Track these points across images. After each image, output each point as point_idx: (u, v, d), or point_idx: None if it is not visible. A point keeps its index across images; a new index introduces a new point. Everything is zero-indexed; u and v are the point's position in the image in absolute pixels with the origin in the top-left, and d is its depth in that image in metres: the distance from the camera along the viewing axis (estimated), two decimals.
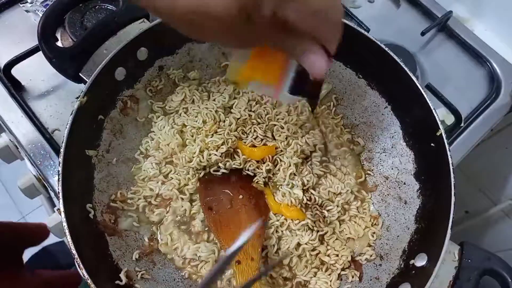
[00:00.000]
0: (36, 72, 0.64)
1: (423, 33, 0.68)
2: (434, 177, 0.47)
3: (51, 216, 0.66)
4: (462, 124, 0.64)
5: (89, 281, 0.37)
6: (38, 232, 0.65)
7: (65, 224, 0.39)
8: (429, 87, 0.62)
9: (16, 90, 0.61)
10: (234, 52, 0.39)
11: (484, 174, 1.01)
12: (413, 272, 0.43)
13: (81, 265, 0.37)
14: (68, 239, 0.38)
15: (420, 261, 0.43)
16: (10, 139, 0.71)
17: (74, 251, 0.38)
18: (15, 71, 0.61)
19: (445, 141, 0.45)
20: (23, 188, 0.69)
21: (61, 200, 0.40)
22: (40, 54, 0.62)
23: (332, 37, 0.35)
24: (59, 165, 0.41)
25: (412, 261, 0.44)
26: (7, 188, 1.46)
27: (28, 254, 1.37)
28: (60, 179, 0.40)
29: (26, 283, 0.61)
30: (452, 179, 0.43)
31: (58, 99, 0.62)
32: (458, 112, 0.61)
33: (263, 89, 0.39)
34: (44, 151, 0.58)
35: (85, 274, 0.37)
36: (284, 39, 0.33)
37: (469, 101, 0.68)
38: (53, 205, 0.80)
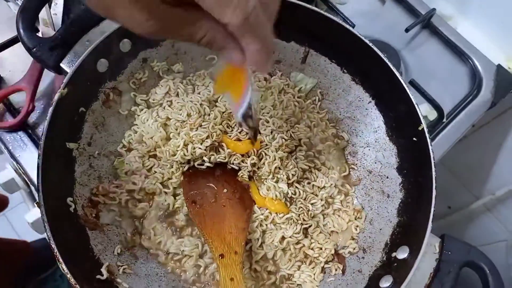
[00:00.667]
0: (16, 63, 0.63)
1: (407, 30, 0.69)
2: (416, 171, 0.48)
3: (31, 211, 0.65)
4: (444, 120, 0.65)
5: (68, 275, 0.37)
6: None
7: (44, 217, 0.38)
8: (412, 83, 0.63)
9: None
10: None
11: (467, 169, 1.04)
12: (395, 264, 0.44)
13: (61, 260, 0.37)
14: (48, 234, 0.38)
15: (402, 253, 0.44)
16: None
17: (53, 246, 0.37)
18: None
19: (427, 135, 0.46)
20: (3, 183, 0.68)
21: (40, 194, 0.39)
22: (19, 45, 0.61)
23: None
24: (38, 158, 0.40)
25: (394, 254, 0.45)
26: None
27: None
28: (40, 172, 0.40)
29: None
30: (434, 173, 0.44)
31: (38, 91, 0.61)
32: (440, 108, 0.62)
33: (230, 103, 0.40)
34: (24, 144, 0.57)
35: (65, 269, 0.37)
36: (194, 27, 0.31)
37: (452, 97, 0.69)
38: (33, 200, 0.78)
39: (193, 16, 0.31)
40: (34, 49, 0.44)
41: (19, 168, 0.59)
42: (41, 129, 0.58)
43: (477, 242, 1.12)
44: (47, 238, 0.38)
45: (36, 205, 0.66)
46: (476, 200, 1.02)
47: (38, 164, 0.40)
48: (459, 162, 1.03)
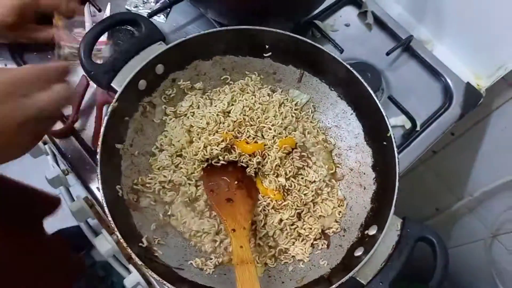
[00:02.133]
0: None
1: (387, 53, 0.80)
2: (385, 168, 0.58)
3: (74, 203, 0.78)
4: (418, 129, 0.75)
5: (122, 240, 0.49)
6: (51, 199, 0.75)
7: (103, 198, 0.50)
8: (390, 98, 0.74)
9: None
10: None
11: (450, 173, 1.13)
12: (367, 239, 0.55)
13: (115, 228, 0.49)
14: (106, 210, 0.50)
15: (372, 231, 0.54)
16: None
17: (110, 218, 0.49)
18: None
19: (394, 140, 0.57)
20: (50, 179, 0.81)
21: (99, 182, 0.51)
22: None
23: None
24: (97, 155, 0.52)
25: (366, 231, 0.55)
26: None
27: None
28: (99, 165, 0.51)
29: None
30: (397, 169, 0.55)
31: (83, 105, 0.73)
32: (413, 118, 0.73)
33: None
34: (74, 147, 0.70)
35: (118, 235, 0.49)
36: None
37: (426, 110, 0.79)
38: (71, 195, 0.90)
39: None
40: (92, 72, 0.57)
41: (68, 166, 0.72)
42: (85, 133, 0.71)
43: (461, 242, 1.23)
44: (107, 214, 0.50)
45: (76, 199, 0.78)
46: (458, 202, 1.12)
47: (97, 159, 0.52)
48: (443, 167, 1.13)
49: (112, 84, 0.57)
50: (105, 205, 0.50)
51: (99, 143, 0.53)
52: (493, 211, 1.02)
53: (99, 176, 0.51)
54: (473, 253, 1.20)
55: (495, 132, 0.92)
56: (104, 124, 0.54)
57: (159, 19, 0.81)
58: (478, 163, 1.02)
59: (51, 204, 0.75)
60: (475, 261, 1.19)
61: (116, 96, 0.55)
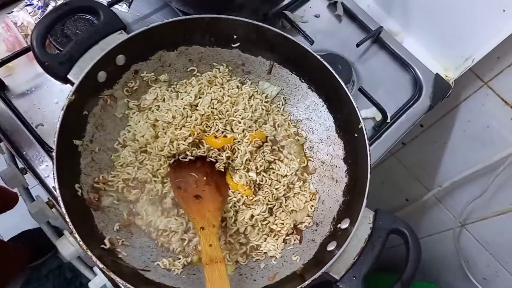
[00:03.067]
0: (19, 74, 0.71)
1: (357, 45, 0.80)
2: (357, 160, 0.58)
3: (33, 203, 0.74)
4: (388, 120, 0.75)
5: (81, 243, 0.46)
6: (8, 194, 0.71)
7: (59, 198, 0.47)
8: (361, 90, 0.73)
9: (1, 89, 0.68)
10: None
11: (419, 165, 1.15)
12: (339, 233, 0.54)
13: (74, 231, 0.46)
14: (63, 211, 0.46)
15: (344, 224, 0.54)
16: None
17: (68, 220, 0.46)
18: None
19: (365, 132, 0.56)
20: (7, 179, 0.75)
21: (56, 180, 0.47)
22: (22, 58, 0.70)
23: None
24: (53, 152, 0.48)
25: (339, 225, 0.55)
26: None
27: (7, 236, 1.41)
28: (55, 163, 0.47)
29: None
30: (369, 161, 0.55)
31: (40, 98, 0.68)
32: (384, 110, 0.73)
33: None
34: (30, 143, 0.65)
35: (78, 237, 0.46)
36: None
37: (396, 102, 0.79)
38: (30, 195, 0.85)
39: None
40: (46, 63, 0.53)
41: (25, 164, 0.67)
42: (43, 129, 0.66)
43: (431, 231, 1.25)
44: (62, 215, 0.47)
45: (36, 198, 0.74)
46: (428, 192, 1.15)
47: (53, 156, 0.48)
48: (412, 158, 1.15)
49: (68, 76, 0.54)
50: (62, 206, 0.47)
51: (55, 139, 0.49)
52: (461, 201, 1.05)
53: (55, 174, 0.48)
54: (442, 243, 1.23)
55: (462, 123, 0.94)
56: (60, 119, 0.50)
57: (121, 8, 0.76)
58: (446, 155, 1.04)
59: (8, 199, 0.71)
60: (444, 250, 1.22)
61: (73, 88, 0.52)
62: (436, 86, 0.82)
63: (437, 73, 0.83)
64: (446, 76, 0.85)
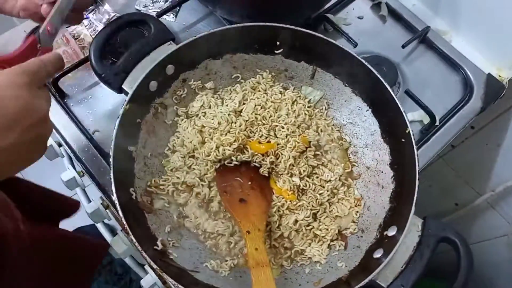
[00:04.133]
0: (77, 83, 0.76)
1: (403, 46, 0.77)
2: (404, 166, 0.56)
3: (90, 204, 0.79)
4: (437, 123, 0.73)
5: (136, 244, 0.49)
6: (70, 203, 0.76)
7: (116, 201, 0.50)
8: (407, 92, 0.71)
9: (62, 98, 0.74)
10: None
11: (469, 168, 1.10)
12: (386, 240, 0.53)
13: (130, 232, 0.49)
14: (120, 213, 0.49)
15: (392, 231, 0.53)
16: (54, 140, 0.84)
17: (124, 222, 0.49)
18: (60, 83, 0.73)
19: (412, 137, 0.55)
20: (66, 181, 0.81)
21: (113, 184, 0.50)
22: (79, 68, 0.75)
23: None
24: (110, 158, 0.52)
25: (385, 232, 0.54)
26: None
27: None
28: (112, 168, 0.51)
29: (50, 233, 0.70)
30: (417, 167, 0.53)
31: (96, 106, 0.73)
32: (432, 113, 0.70)
33: None
34: (87, 149, 0.70)
35: (133, 238, 0.48)
36: None
37: (445, 104, 0.76)
38: (87, 196, 0.91)
39: None
40: (103, 75, 0.57)
41: (83, 168, 0.72)
42: (99, 136, 0.71)
43: (482, 237, 1.20)
44: (121, 217, 0.50)
45: (92, 200, 0.79)
46: (479, 197, 1.09)
47: (111, 162, 0.52)
48: (462, 161, 1.10)
49: (123, 86, 0.57)
50: (119, 208, 0.50)
51: (112, 146, 0.52)
52: None
53: (112, 179, 0.51)
54: (495, 250, 1.16)
55: None
56: (116, 127, 0.54)
57: (168, 18, 0.80)
58: (500, 157, 0.99)
59: (70, 207, 0.76)
60: (497, 257, 1.16)
61: (127, 98, 0.55)
62: (488, 86, 0.78)
63: (489, 73, 0.79)
64: (500, 76, 0.80)
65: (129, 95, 0.55)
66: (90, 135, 0.70)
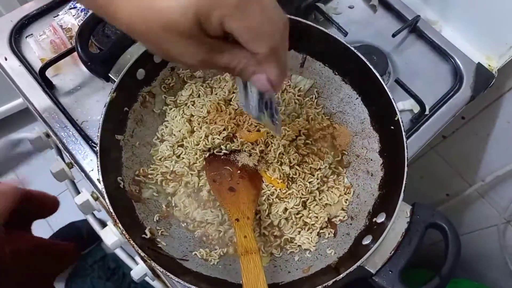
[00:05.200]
0: (65, 73, 0.75)
1: (394, 35, 0.77)
2: (393, 153, 0.56)
3: (78, 196, 0.78)
4: (427, 112, 0.73)
5: (124, 232, 0.48)
6: (49, 201, 0.75)
7: (103, 190, 0.49)
8: (397, 81, 0.71)
9: (49, 88, 0.73)
10: None
11: (460, 158, 1.11)
12: (375, 227, 0.53)
13: (117, 221, 0.48)
14: (107, 202, 0.49)
15: (380, 218, 0.53)
16: (42, 131, 0.83)
17: (111, 210, 0.49)
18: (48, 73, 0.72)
19: (401, 124, 0.55)
20: (55, 172, 0.80)
21: (100, 173, 0.50)
22: (67, 58, 0.74)
23: (269, 57, 0.35)
24: (97, 147, 0.51)
25: (374, 219, 0.54)
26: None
27: (55, 227, 1.50)
28: (99, 157, 0.50)
29: (24, 242, 0.70)
30: (406, 154, 0.53)
31: (84, 96, 0.72)
32: (422, 102, 0.70)
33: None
34: (75, 139, 0.69)
35: (121, 227, 0.48)
36: (231, 56, 0.35)
37: (435, 93, 0.76)
38: (76, 188, 0.90)
39: (229, 47, 0.35)
40: (89, 63, 0.56)
41: (71, 158, 0.71)
42: (90, 130, 0.70)
43: (473, 228, 1.21)
44: (109, 205, 0.49)
45: (82, 192, 0.78)
46: (469, 187, 1.10)
47: (97, 150, 0.51)
48: (453, 152, 1.11)
49: (110, 74, 0.56)
50: (106, 197, 0.49)
51: (98, 134, 0.52)
52: (506, 196, 1.00)
53: (99, 168, 0.51)
54: (485, 239, 1.17)
55: (506, 114, 0.89)
56: (102, 115, 0.53)
57: None
58: (489, 147, 0.99)
59: (48, 208, 0.75)
60: (488, 247, 1.17)
61: (114, 86, 0.55)
62: (477, 76, 0.78)
63: (478, 62, 0.79)
64: (489, 65, 0.80)
65: (116, 83, 0.54)
66: (78, 126, 0.70)
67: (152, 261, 0.47)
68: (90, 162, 0.67)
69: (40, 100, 0.71)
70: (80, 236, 1.44)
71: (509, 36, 0.75)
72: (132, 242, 0.47)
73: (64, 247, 1.08)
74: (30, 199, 0.73)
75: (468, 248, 1.24)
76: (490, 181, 1.00)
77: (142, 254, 0.46)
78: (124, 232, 0.48)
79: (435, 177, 1.21)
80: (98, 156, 0.51)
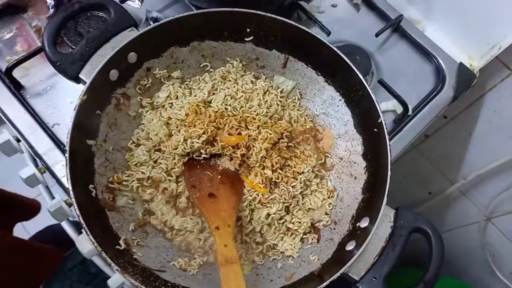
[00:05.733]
0: (34, 74, 0.71)
1: (377, 34, 0.76)
2: (376, 156, 0.55)
3: (52, 202, 0.74)
4: (410, 113, 0.72)
5: (95, 244, 0.45)
6: (30, 205, 0.72)
7: (73, 200, 0.46)
8: (380, 82, 0.70)
9: (17, 89, 0.69)
10: None
11: (442, 157, 1.11)
12: (359, 232, 0.52)
13: (88, 232, 0.46)
14: (77, 212, 0.46)
15: (364, 223, 0.52)
16: (11, 134, 0.78)
17: (82, 221, 0.46)
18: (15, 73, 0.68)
19: (384, 127, 0.54)
20: (25, 178, 0.76)
21: (69, 181, 0.47)
22: (36, 58, 0.70)
23: None
24: (66, 153, 0.48)
25: (358, 224, 0.53)
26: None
27: (32, 231, 1.45)
28: (68, 164, 0.47)
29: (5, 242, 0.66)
30: (389, 158, 0.52)
31: (55, 98, 0.69)
32: (405, 103, 0.69)
33: None
34: (46, 144, 0.66)
35: (92, 239, 0.45)
36: None
37: (418, 93, 0.76)
38: (50, 193, 0.87)
39: None
40: (58, 63, 0.53)
41: (42, 164, 0.68)
42: (59, 129, 0.67)
43: (454, 225, 1.22)
44: (77, 216, 0.47)
45: (56, 197, 0.75)
46: (452, 185, 1.11)
47: (66, 157, 0.48)
48: (436, 151, 1.12)
49: (80, 75, 0.54)
50: (76, 207, 0.46)
51: (67, 139, 0.49)
52: (487, 194, 1.01)
53: (68, 175, 0.48)
54: (467, 237, 1.19)
55: (488, 114, 0.90)
56: (72, 119, 0.50)
57: (133, 4, 0.76)
58: (471, 146, 1.00)
59: (29, 210, 0.72)
60: (469, 244, 1.19)
61: (85, 88, 0.52)
62: (460, 76, 0.78)
63: (460, 62, 0.79)
64: (471, 65, 0.81)
65: (87, 85, 0.51)
66: (49, 130, 0.66)
67: (126, 274, 0.44)
68: (62, 168, 0.64)
69: (7, 102, 0.67)
70: (59, 239, 1.39)
71: (490, 36, 0.75)
72: (104, 254, 0.44)
73: (48, 250, 1.04)
74: (10, 199, 0.69)
75: (450, 245, 1.26)
76: (471, 179, 1.01)
77: (115, 267, 0.44)
78: (95, 244, 0.45)
79: (417, 176, 1.22)
80: (68, 163, 0.48)
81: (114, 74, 0.55)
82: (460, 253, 1.26)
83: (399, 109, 0.73)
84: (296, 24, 0.58)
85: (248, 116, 0.60)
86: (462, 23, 0.80)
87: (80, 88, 0.55)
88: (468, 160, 1.03)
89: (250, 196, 0.57)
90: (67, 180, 0.47)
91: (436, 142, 1.08)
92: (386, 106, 0.74)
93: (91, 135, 0.54)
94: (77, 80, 0.54)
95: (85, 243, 0.68)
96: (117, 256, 0.47)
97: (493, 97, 0.86)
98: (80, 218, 0.46)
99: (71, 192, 0.47)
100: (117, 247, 0.50)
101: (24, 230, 1.47)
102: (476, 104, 0.91)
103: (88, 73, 0.53)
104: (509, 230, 1.04)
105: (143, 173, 0.56)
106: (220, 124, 0.59)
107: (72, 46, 0.68)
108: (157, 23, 0.56)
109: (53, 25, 0.53)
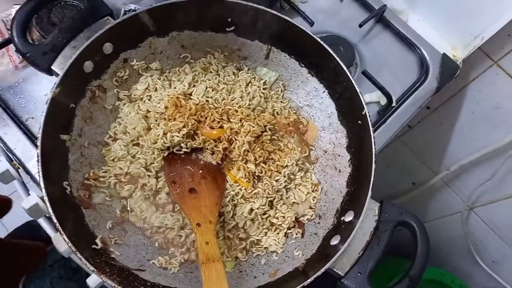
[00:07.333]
0: (6, 66, 0.67)
1: (360, 25, 0.75)
2: (360, 149, 0.55)
3: (27, 199, 0.71)
4: (394, 104, 0.72)
5: (69, 244, 0.43)
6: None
7: (46, 198, 0.44)
8: (364, 73, 0.69)
9: None
10: None
11: (426, 148, 1.12)
12: (343, 226, 0.51)
13: (62, 232, 0.44)
14: (49, 210, 0.44)
15: (349, 217, 0.51)
16: None
17: (55, 220, 0.44)
18: None
19: (368, 119, 0.53)
20: None
21: (41, 179, 0.45)
22: (8, 49, 0.66)
23: None
24: (37, 148, 0.46)
25: (342, 218, 0.52)
26: None
27: (13, 226, 1.40)
28: (40, 160, 0.45)
29: None
30: (374, 150, 0.52)
31: (29, 90, 0.66)
32: (389, 94, 0.69)
33: None
34: (20, 139, 0.63)
35: (66, 239, 0.43)
36: None
37: (402, 84, 0.76)
38: (26, 189, 0.83)
39: None
40: (28, 54, 0.50)
41: (15, 159, 0.65)
42: (35, 124, 0.64)
43: (438, 215, 1.23)
44: (52, 215, 0.44)
45: (31, 194, 0.72)
46: (435, 176, 1.12)
47: (38, 153, 0.46)
48: (419, 141, 1.12)
49: (52, 67, 0.51)
50: (48, 205, 0.44)
51: (39, 135, 0.46)
52: (469, 184, 1.02)
53: (40, 172, 0.45)
54: (450, 226, 1.20)
55: (471, 105, 0.90)
56: (44, 113, 0.47)
57: None
58: (454, 137, 1.01)
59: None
60: (452, 233, 1.20)
61: (57, 80, 0.49)
62: (443, 66, 0.78)
63: (444, 53, 0.79)
64: (454, 56, 0.81)
65: (59, 77, 0.49)
66: (22, 124, 0.63)
67: (102, 275, 0.42)
68: (36, 163, 0.61)
69: None
70: (38, 235, 1.36)
71: (474, 26, 0.75)
72: (79, 255, 0.42)
73: (28, 246, 1.00)
74: None
75: (433, 235, 1.26)
76: (454, 170, 1.02)
77: (91, 268, 0.42)
78: (69, 244, 0.43)
79: (401, 166, 1.22)
80: (39, 159, 0.46)
81: (88, 65, 0.53)
82: (443, 242, 1.28)
83: (383, 100, 0.72)
84: (278, 14, 0.57)
85: (230, 109, 0.59)
86: (445, 14, 0.79)
87: (55, 80, 0.53)
88: (451, 150, 1.04)
89: (233, 191, 0.55)
90: (39, 177, 0.45)
91: (419, 133, 1.08)
92: (370, 97, 0.73)
93: (65, 129, 0.52)
94: (50, 72, 0.51)
95: (62, 242, 0.65)
96: (93, 256, 0.45)
97: (475, 88, 0.86)
98: (53, 216, 0.44)
99: (43, 190, 0.45)
100: (94, 246, 0.48)
101: (3, 226, 1.43)
102: (459, 95, 0.91)
103: (60, 65, 0.50)
104: (491, 220, 1.06)
105: (120, 168, 0.55)
106: (201, 117, 0.57)
107: (45, 37, 0.64)
108: (133, 13, 0.53)
109: (23, 14, 0.50)
